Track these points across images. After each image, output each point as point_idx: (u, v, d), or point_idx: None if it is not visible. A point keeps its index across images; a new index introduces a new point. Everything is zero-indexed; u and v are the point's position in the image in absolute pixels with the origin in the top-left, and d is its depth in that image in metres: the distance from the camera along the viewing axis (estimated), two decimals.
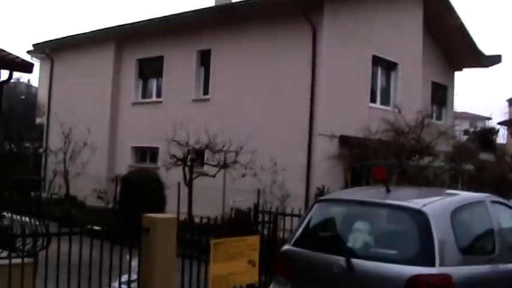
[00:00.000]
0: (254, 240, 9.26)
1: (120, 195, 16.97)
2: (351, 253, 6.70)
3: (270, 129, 20.18)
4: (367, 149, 17.73)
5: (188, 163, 18.24)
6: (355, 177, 20.38)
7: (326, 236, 7.57)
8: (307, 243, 7.24)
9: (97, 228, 17.36)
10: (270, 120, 20.55)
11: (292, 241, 7.33)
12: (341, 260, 6.64)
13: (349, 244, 6.90)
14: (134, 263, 8.03)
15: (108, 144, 26.44)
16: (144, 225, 7.92)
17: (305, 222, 7.43)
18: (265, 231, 9.80)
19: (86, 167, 23.39)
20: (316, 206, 7.53)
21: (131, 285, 7.78)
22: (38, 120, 39.97)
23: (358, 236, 6.88)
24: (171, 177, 17.81)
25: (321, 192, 20.13)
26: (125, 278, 7.81)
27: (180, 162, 18.31)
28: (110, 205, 20.18)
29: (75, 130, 23.35)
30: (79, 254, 7.38)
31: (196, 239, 8.71)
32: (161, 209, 16.37)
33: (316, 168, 19.67)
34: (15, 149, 36.98)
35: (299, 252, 7.12)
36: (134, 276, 7.86)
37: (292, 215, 10.76)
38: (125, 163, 25.09)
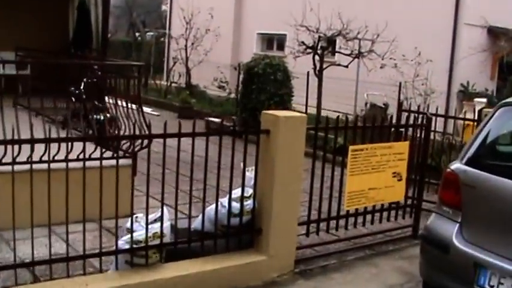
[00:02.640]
0: (402, 147, 7.31)
1: (242, 85, 15.30)
2: None
3: (411, 17, 17.77)
4: None
5: (318, 51, 16.34)
6: (503, 73, 17.84)
7: None
8: (486, 163, 5.19)
9: (214, 120, 16.58)
10: (411, 4, 18.00)
11: (465, 158, 5.24)
12: None
13: None
14: (250, 175, 6.33)
15: (233, 31, 25.15)
16: (263, 126, 6.13)
17: (483, 133, 5.28)
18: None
19: (209, 55, 21.98)
20: (499, 112, 5.28)
21: (245, 203, 6.09)
22: (162, 8, 38.99)
23: None
24: (299, 66, 16.00)
25: (465, 89, 17.79)
26: (236, 193, 6.14)
27: (309, 50, 16.48)
28: (232, 95, 18.77)
29: (197, 16, 21.78)
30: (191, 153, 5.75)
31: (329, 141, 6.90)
32: (287, 102, 14.71)
33: (460, 62, 17.21)
34: (139, 37, 36.10)
35: (475, 174, 5.05)
36: (249, 191, 6.16)
37: (448, 117, 8.73)
38: (250, 51, 23.55)
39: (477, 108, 16.74)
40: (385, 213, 7.65)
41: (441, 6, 18.02)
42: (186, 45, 22.19)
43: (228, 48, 24.97)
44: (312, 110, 16.44)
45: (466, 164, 5.16)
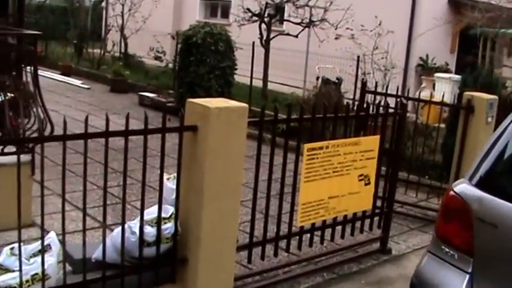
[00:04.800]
0: (371, 143, 5.72)
1: (179, 56, 13.49)
2: None
3: None
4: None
5: (265, 19, 14.93)
6: (464, 46, 16.61)
7: None
8: (506, 184, 3.60)
9: (149, 95, 14.81)
10: None
11: (476, 177, 3.61)
12: None
13: None
14: (171, 185, 4.66)
15: None
16: (188, 120, 4.43)
17: (499, 145, 3.64)
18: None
19: (148, 22, 20.06)
20: None
21: (163, 227, 4.41)
22: None
23: None
24: (244, 36, 14.34)
25: (424, 63, 16.36)
26: (152, 212, 4.45)
27: (255, 18, 15.07)
28: (171, 65, 17.00)
29: None
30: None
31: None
32: (229, 75, 13.03)
33: (419, 33, 15.76)
34: (77, 3, 33.61)
35: (495, 205, 3.42)
36: (169, 211, 4.48)
37: (424, 101, 7.18)
38: (193, 18, 21.68)
39: (437, 84, 15.47)
40: (349, 226, 6.07)
41: None
42: (122, 12, 20.23)
43: (169, 15, 23.09)
44: (258, 83, 14.91)
45: (478, 185, 3.51)
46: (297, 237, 5.54)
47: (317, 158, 5.19)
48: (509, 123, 3.63)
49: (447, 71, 16.40)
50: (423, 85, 15.93)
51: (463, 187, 3.60)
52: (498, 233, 3.33)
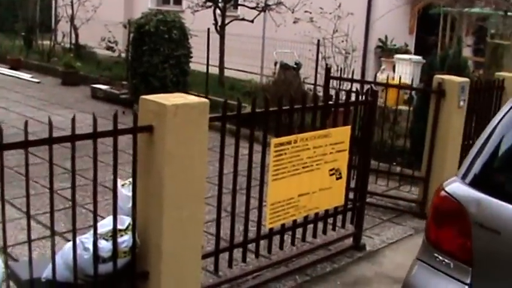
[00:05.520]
0: (342, 134, 5.33)
1: (132, 46, 12.91)
2: None
3: None
4: None
5: (220, 4, 14.49)
6: (423, 27, 16.42)
7: None
8: (505, 183, 3.21)
9: (101, 87, 14.20)
10: None
11: (469, 176, 3.21)
12: None
13: None
14: (127, 193, 4.20)
15: None
16: (142, 119, 3.96)
17: (494, 139, 3.25)
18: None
19: (99, 11, 19.36)
20: None
21: (119, 240, 3.94)
22: None
23: None
24: (199, 22, 13.84)
25: (383, 44, 16.06)
26: (106, 224, 3.98)
27: (209, 4, 14.62)
28: (123, 55, 16.40)
29: None
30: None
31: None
32: (184, 64, 12.53)
33: (377, 15, 15.40)
34: None
35: (496, 208, 3.01)
36: (126, 222, 4.02)
37: (400, 87, 6.83)
38: (145, 6, 21.00)
39: (397, 65, 15.16)
40: (321, 223, 5.68)
41: None
42: (72, 1, 19.50)
43: (120, 3, 22.38)
44: (215, 70, 14.47)
45: (474, 185, 3.11)
46: (267, 239, 5.13)
47: (285, 153, 4.78)
48: (504, 114, 3.24)
49: (407, 52, 16.09)
50: (383, 67, 15.60)
51: (456, 187, 3.18)
52: (501, 239, 2.94)
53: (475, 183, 3.13)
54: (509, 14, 11.66)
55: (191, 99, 4.09)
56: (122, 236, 4.02)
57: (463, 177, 3.17)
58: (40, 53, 19.82)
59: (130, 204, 4.09)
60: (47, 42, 20.50)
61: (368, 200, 6.84)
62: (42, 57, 19.27)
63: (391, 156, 7.98)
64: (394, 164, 8.31)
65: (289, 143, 4.80)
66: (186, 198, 4.09)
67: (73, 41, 19.85)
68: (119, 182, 4.23)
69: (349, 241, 6.02)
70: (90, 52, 19.24)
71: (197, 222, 4.26)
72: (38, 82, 16.21)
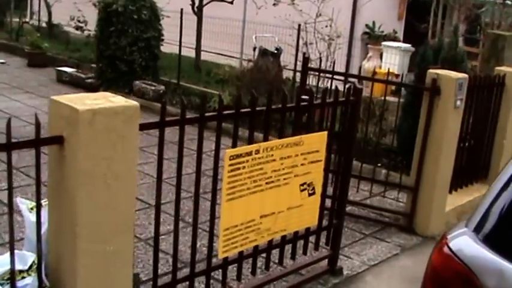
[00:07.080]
0: (317, 142, 4.39)
1: (98, 27, 11.88)
2: None
3: None
4: None
5: None
6: (413, 12, 15.51)
7: None
8: None
9: (67, 70, 13.22)
10: None
11: (484, 229, 2.24)
12: None
13: None
14: (31, 218, 3.27)
15: None
16: (52, 129, 3.02)
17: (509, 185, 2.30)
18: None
19: None
20: None
21: (19, 284, 3.01)
22: None
23: None
24: (173, 2, 12.72)
25: (370, 31, 15.12)
26: (2, 264, 3.06)
27: None
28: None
29: None
30: None
31: None
32: (155, 47, 11.64)
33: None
34: None
35: (500, 266, 2.12)
36: (29, 259, 3.09)
37: (390, 83, 5.87)
38: None
39: (385, 53, 14.25)
40: (289, 247, 4.77)
41: None
42: None
43: None
44: (193, 54, 13.52)
45: (489, 242, 2.17)
46: (221, 269, 4.21)
47: (243, 167, 3.85)
48: None
49: (395, 39, 15.14)
50: (369, 54, 14.68)
51: (464, 242, 2.24)
52: None
53: (490, 240, 2.20)
54: (507, 2, 10.78)
55: (116, 101, 3.13)
56: (23, 278, 3.09)
57: (476, 230, 2.25)
58: (10, 31, 18.70)
59: (33, 236, 3.16)
60: (17, 20, 19.38)
61: (348, 209, 5.88)
62: (11, 36, 18.17)
63: (375, 156, 7.09)
64: (379, 165, 7.42)
65: (248, 153, 3.86)
66: (109, 229, 3.16)
67: (46, 20, 18.77)
68: (26, 205, 3.29)
69: (324, 263, 5.11)
70: (63, 32, 18.16)
71: (125, 258, 3.33)
72: (3, 63, 15.15)
